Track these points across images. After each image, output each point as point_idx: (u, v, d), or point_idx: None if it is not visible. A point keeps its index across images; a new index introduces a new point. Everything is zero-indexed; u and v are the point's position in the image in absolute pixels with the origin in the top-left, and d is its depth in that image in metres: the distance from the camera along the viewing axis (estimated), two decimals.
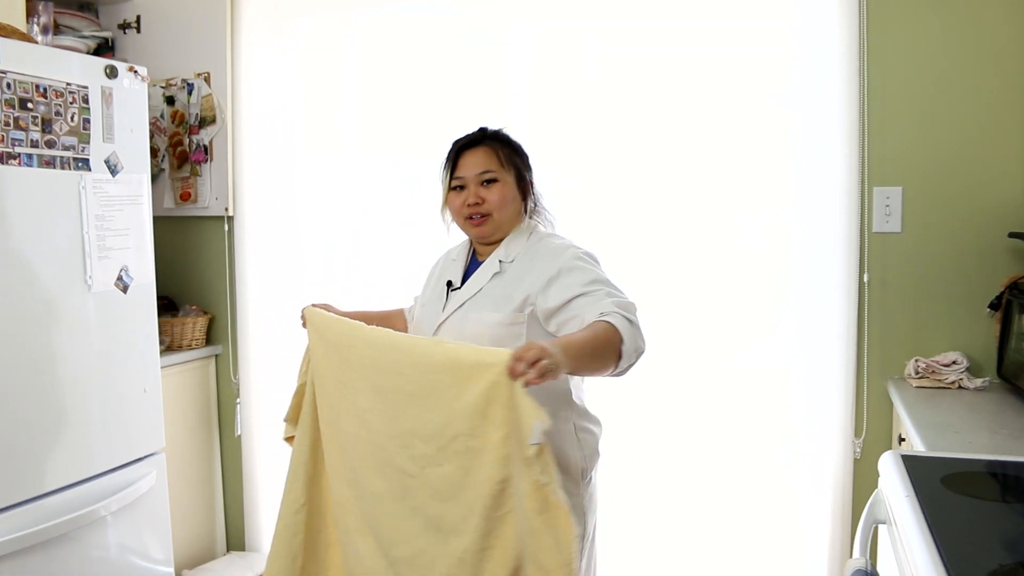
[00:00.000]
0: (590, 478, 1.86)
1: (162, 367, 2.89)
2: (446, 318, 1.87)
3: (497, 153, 1.89)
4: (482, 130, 1.94)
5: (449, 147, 1.94)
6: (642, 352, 1.63)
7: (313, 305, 1.98)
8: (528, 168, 1.96)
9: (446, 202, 1.93)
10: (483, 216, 1.87)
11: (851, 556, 2.43)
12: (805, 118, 2.47)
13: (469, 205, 1.87)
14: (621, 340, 1.56)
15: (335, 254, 3.05)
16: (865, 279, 2.43)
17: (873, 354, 2.45)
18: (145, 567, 2.55)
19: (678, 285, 2.61)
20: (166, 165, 3.21)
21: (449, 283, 1.94)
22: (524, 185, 1.92)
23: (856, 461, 2.48)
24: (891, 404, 2.42)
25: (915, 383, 2.31)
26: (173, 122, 3.19)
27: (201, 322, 3.16)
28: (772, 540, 2.59)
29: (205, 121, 3.14)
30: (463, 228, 1.93)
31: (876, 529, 1.65)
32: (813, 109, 2.46)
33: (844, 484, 2.48)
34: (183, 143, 3.18)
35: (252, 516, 3.26)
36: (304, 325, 1.94)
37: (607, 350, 1.56)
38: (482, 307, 1.82)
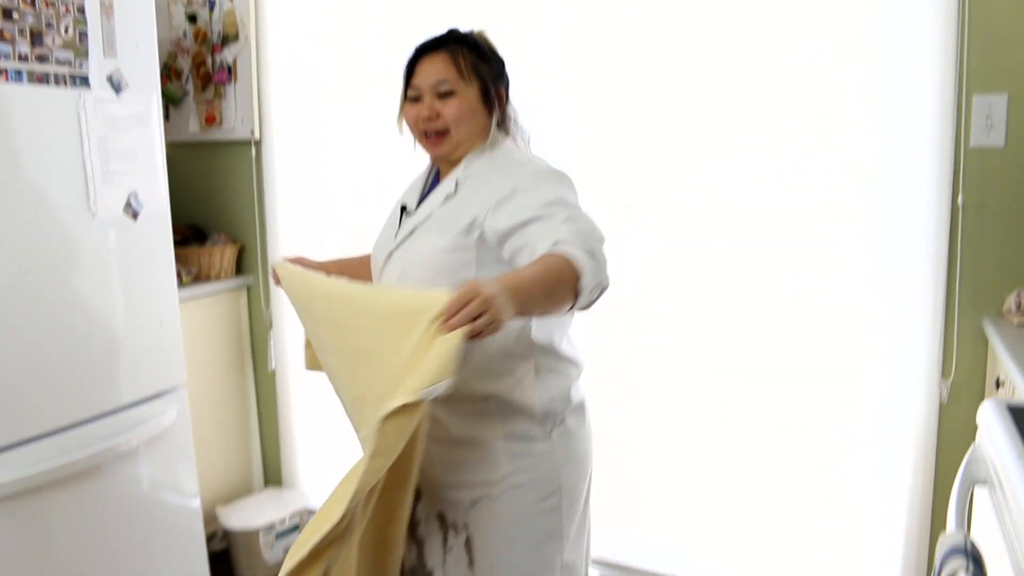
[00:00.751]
0: (563, 425, 1.62)
1: (191, 299, 2.77)
2: (395, 247, 1.64)
3: (458, 60, 1.60)
4: (450, 32, 1.66)
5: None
6: (605, 287, 1.40)
7: (284, 259, 1.74)
8: (499, 77, 1.67)
9: (402, 113, 1.67)
10: (439, 133, 1.62)
11: (929, 518, 2.21)
12: (890, 11, 2.13)
13: (424, 119, 1.62)
14: (578, 275, 1.33)
15: (366, 179, 2.83)
16: (959, 201, 2.12)
17: (966, 285, 2.15)
18: (173, 502, 2.43)
19: (744, 202, 2.33)
20: (190, 87, 3.01)
21: (403, 208, 1.71)
22: (491, 97, 1.65)
23: (942, 406, 2.20)
24: (986, 343, 2.13)
25: (1016, 320, 2.00)
26: (196, 41, 2.98)
27: (230, 251, 2.99)
28: (839, 493, 2.34)
29: (228, 39, 2.92)
30: (420, 144, 1.68)
31: (972, 489, 1.41)
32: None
33: (927, 431, 2.21)
34: (206, 63, 2.97)
35: (289, 451, 3.15)
36: (277, 283, 1.70)
37: (561, 288, 1.32)
38: (429, 231, 1.58)
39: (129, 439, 2.24)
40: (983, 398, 2.18)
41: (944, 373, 2.19)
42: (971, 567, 1.10)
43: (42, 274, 2.03)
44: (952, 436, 2.20)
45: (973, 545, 1.14)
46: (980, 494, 1.44)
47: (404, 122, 1.67)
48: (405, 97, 1.65)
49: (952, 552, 1.13)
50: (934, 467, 2.22)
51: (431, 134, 1.62)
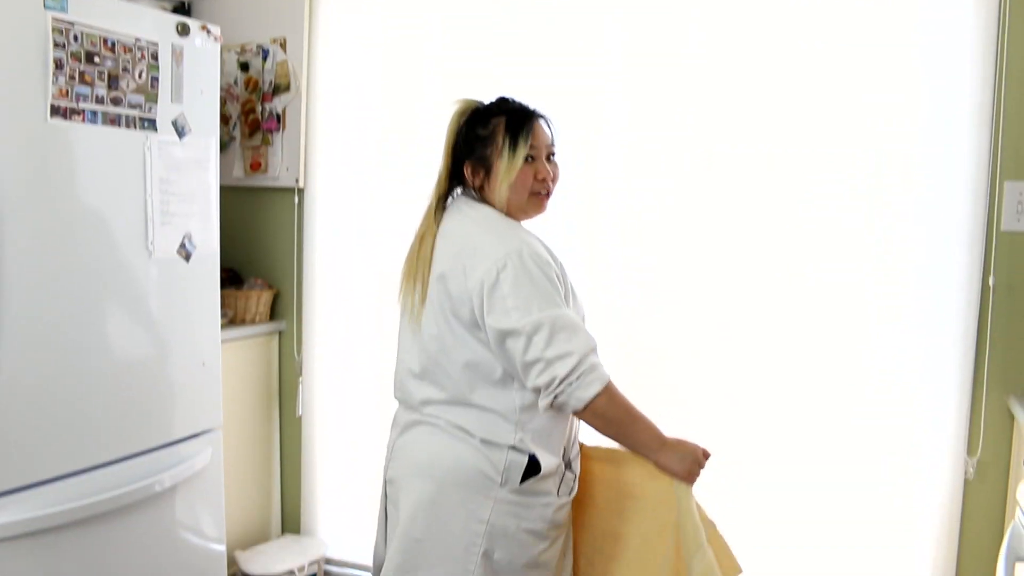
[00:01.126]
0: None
1: (223, 341, 2.79)
2: None
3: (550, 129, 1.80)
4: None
5: (510, 109, 1.76)
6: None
7: None
8: None
9: (510, 171, 1.71)
10: (548, 194, 1.78)
11: None
12: (928, 100, 2.23)
13: (540, 180, 1.75)
14: None
15: (407, 234, 2.89)
16: (990, 282, 2.19)
17: (995, 365, 2.21)
18: (198, 545, 2.45)
19: (779, 281, 2.40)
20: (237, 133, 3.10)
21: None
22: None
23: (968, 482, 2.24)
24: (1012, 420, 2.18)
25: None
26: (246, 89, 3.08)
27: (266, 296, 3.05)
28: (862, 564, 2.37)
29: (279, 88, 3.02)
30: (523, 203, 1.76)
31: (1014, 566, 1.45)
32: (938, 91, 2.21)
33: (952, 507, 2.25)
34: (255, 111, 3.06)
35: (309, 499, 3.15)
36: None
37: None
38: None
39: (164, 479, 2.27)
40: (1008, 476, 2.22)
41: (970, 451, 2.23)
42: None
43: (96, 308, 2.09)
44: (977, 513, 2.23)
45: None
46: (1022, 570, 1.48)
47: (506, 180, 1.72)
48: (513, 154, 1.71)
49: None
50: (957, 543, 2.25)
51: (547, 193, 1.76)
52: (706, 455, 1.75)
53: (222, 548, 2.53)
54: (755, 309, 2.43)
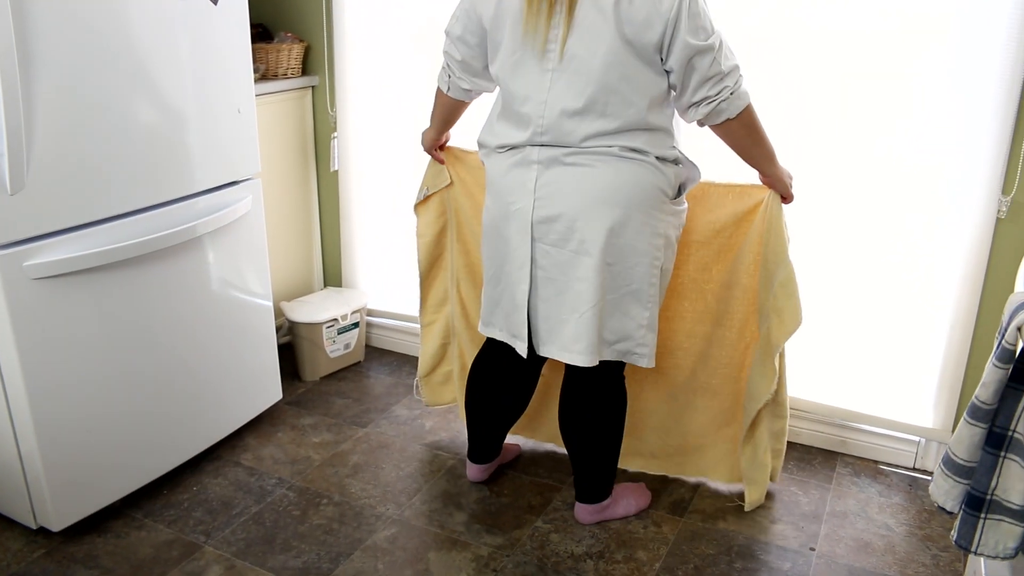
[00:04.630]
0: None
1: (257, 95, 2.79)
2: None
3: None
4: None
5: None
6: None
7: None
8: None
9: None
10: None
11: (973, 324, 2.28)
12: None
13: None
14: None
15: None
16: None
17: None
18: (245, 293, 2.57)
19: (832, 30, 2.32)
20: None
21: None
22: None
23: (998, 221, 2.25)
24: None
25: None
26: None
27: (297, 50, 3.01)
28: (892, 294, 2.45)
29: None
30: None
31: None
32: None
33: (981, 246, 2.27)
34: None
35: (348, 253, 3.26)
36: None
37: None
38: None
39: (208, 222, 2.33)
40: None
41: (1005, 189, 2.22)
42: None
43: (128, 52, 2.07)
44: (1004, 252, 2.26)
45: None
46: None
47: None
48: None
49: (1021, 308, 1.21)
50: (983, 279, 2.29)
51: None
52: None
53: (268, 297, 2.65)
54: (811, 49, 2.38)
